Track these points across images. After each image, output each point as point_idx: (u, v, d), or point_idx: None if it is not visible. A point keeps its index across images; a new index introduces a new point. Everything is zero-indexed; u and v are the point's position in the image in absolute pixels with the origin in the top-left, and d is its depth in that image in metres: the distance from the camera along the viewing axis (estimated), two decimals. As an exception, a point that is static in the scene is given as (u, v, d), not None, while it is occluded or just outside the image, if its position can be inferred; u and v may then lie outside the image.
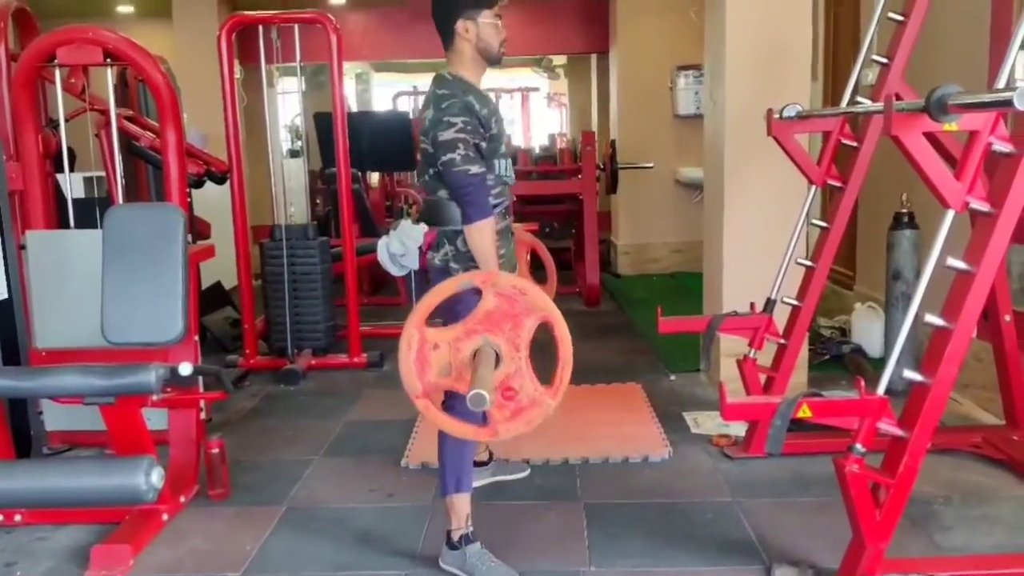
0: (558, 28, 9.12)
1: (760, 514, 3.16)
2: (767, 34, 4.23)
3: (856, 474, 2.42)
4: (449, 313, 2.53)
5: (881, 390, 2.49)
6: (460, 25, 2.75)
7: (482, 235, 2.67)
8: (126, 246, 3.24)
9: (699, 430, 3.99)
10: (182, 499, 3.31)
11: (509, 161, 2.87)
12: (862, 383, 2.49)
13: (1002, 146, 2.39)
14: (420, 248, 2.85)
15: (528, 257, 3.71)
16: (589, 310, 6.84)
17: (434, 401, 2.34)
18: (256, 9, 5.27)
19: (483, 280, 2.34)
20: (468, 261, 2.72)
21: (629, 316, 6.53)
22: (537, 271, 3.97)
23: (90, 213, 4.10)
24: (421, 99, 12.65)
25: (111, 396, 2.73)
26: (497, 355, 2.27)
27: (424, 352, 2.27)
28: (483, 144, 2.69)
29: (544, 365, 2.31)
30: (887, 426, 2.45)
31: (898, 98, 3.28)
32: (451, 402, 2.58)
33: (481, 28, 2.75)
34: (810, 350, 4.63)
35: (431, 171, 2.74)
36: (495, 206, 2.75)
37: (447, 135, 2.63)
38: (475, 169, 2.64)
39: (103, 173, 4.80)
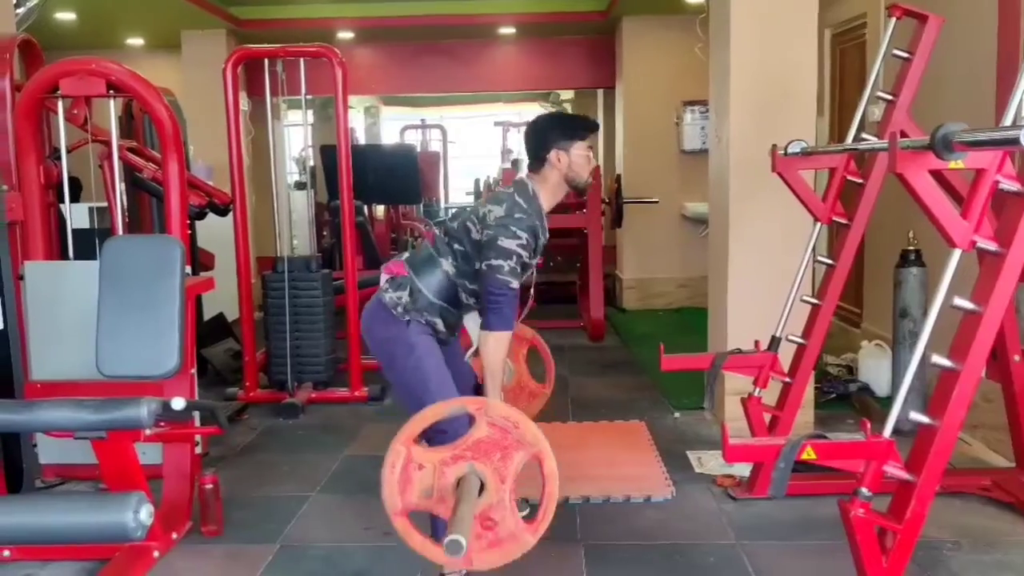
0: (565, 64, 9.17)
1: (764, 558, 3.08)
2: (772, 71, 4.21)
3: (862, 519, 2.36)
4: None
5: (887, 432, 2.43)
6: (553, 154, 2.85)
7: (498, 346, 2.76)
8: (123, 278, 3.21)
9: (703, 470, 3.92)
10: (174, 536, 3.25)
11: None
12: (867, 425, 2.43)
13: (1009, 185, 2.35)
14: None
15: (526, 353, 3.63)
16: (593, 344, 6.79)
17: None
18: (266, 43, 5.29)
19: (477, 408, 2.30)
20: (417, 315, 2.78)
21: (633, 351, 6.47)
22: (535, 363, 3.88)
23: (91, 244, 4.09)
24: (428, 132, 12.56)
25: (102, 430, 2.68)
26: (481, 482, 2.24)
27: (408, 471, 2.25)
28: (527, 264, 2.81)
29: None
30: (893, 469, 2.39)
31: (903, 135, 3.25)
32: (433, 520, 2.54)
33: (573, 158, 2.86)
34: (817, 388, 4.57)
35: (462, 248, 2.80)
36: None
37: (508, 244, 2.71)
38: (514, 284, 2.75)
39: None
